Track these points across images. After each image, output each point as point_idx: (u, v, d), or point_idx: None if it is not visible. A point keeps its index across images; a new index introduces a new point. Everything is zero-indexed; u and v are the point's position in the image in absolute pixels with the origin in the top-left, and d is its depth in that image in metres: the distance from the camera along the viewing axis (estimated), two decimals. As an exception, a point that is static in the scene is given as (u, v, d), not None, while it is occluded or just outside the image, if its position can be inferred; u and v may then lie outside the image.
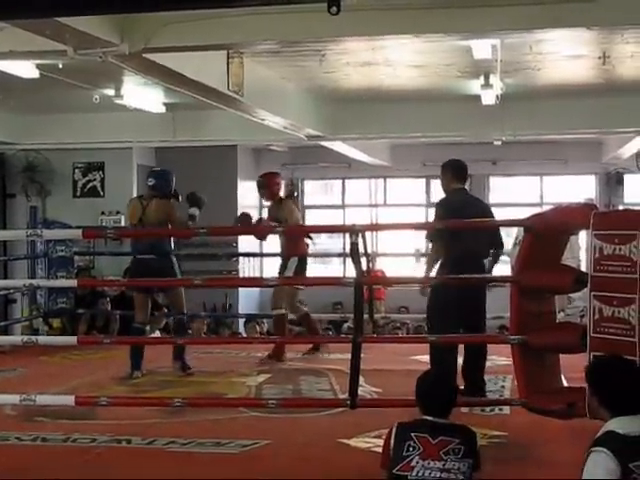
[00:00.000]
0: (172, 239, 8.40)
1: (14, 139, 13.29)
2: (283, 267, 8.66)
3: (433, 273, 6.63)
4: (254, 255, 15.23)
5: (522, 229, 5.76)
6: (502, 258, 7.07)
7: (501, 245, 6.84)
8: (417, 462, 4.02)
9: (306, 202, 17.57)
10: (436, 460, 4.02)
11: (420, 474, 4.00)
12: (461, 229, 6.46)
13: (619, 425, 3.46)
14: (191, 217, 7.94)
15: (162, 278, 7.68)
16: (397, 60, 9.50)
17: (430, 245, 6.67)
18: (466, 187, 7.10)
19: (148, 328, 9.37)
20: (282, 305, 8.62)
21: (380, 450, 4.45)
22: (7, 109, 12.56)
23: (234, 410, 6.25)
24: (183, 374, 7.81)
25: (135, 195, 10.81)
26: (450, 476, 4.00)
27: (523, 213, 6.01)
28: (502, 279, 6.64)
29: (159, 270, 7.65)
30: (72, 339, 7.54)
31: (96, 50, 6.55)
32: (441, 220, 6.66)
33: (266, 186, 8.91)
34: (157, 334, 9.85)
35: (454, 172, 6.91)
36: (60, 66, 8.26)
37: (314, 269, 17.22)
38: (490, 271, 6.79)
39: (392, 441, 4.14)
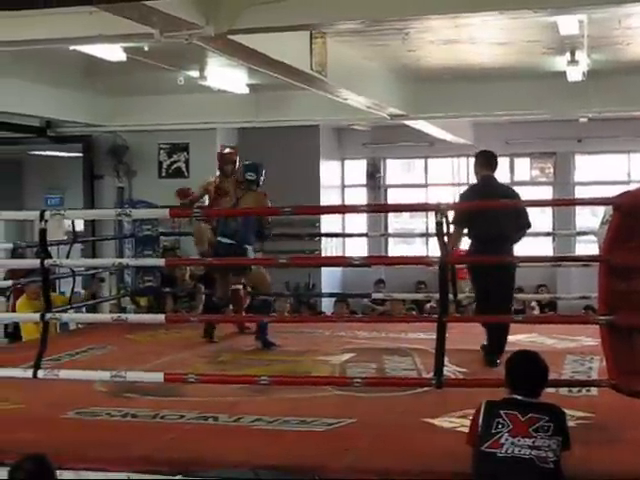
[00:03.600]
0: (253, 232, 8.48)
1: (101, 121, 13.54)
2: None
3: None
4: (336, 235, 15.28)
5: (610, 208, 5.66)
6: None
7: (527, 226, 7.22)
8: (506, 439, 4.02)
9: (388, 181, 17.53)
10: (526, 437, 4.01)
11: (510, 451, 3.99)
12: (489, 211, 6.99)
13: None
14: None
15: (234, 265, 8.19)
16: (481, 37, 9.40)
17: (452, 228, 6.94)
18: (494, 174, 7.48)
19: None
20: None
21: (465, 430, 4.45)
22: (95, 92, 12.80)
23: (318, 388, 6.27)
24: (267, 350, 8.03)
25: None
26: (540, 453, 3.98)
27: (610, 191, 5.91)
28: (590, 258, 6.54)
29: (235, 256, 8.08)
30: (160, 317, 7.68)
31: (182, 32, 6.62)
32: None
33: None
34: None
35: (483, 160, 7.47)
36: (146, 49, 8.39)
37: (397, 249, 17.31)
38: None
39: (480, 419, 4.14)
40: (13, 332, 10.18)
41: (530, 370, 4.31)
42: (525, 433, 4.02)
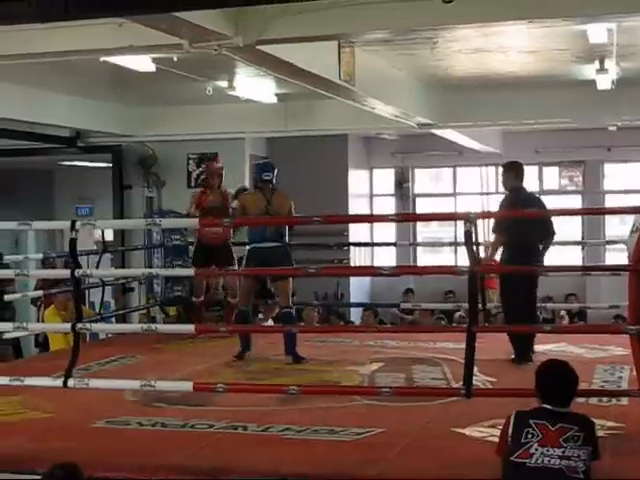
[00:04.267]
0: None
1: (130, 132, 13.63)
2: None
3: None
4: (365, 245, 15.27)
5: (640, 216, 5.63)
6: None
7: (551, 234, 7.70)
8: (536, 449, 4.01)
9: (416, 190, 17.49)
10: (555, 447, 4.00)
11: (540, 461, 3.98)
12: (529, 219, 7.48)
13: None
14: None
15: (280, 265, 7.82)
16: (510, 46, 9.38)
17: (494, 235, 7.73)
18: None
19: (261, 316, 9.55)
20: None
21: (495, 440, 4.44)
22: (124, 102, 12.89)
23: (347, 398, 6.27)
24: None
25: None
26: (570, 463, 3.97)
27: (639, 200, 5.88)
28: (620, 267, 6.51)
29: (283, 257, 7.92)
30: (190, 327, 7.71)
31: (211, 43, 6.67)
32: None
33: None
34: (270, 322, 9.96)
35: (516, 170, 7.87)
36: (175, 59, 8.43)
37: (425, 257, 17.26)
38: (543, 255, 7.70)
39: (510, 428, 4.13)
40: (43, 342, 10.26)
41: (560, 380, 4.29)
42: (555, 443, 4.01)
